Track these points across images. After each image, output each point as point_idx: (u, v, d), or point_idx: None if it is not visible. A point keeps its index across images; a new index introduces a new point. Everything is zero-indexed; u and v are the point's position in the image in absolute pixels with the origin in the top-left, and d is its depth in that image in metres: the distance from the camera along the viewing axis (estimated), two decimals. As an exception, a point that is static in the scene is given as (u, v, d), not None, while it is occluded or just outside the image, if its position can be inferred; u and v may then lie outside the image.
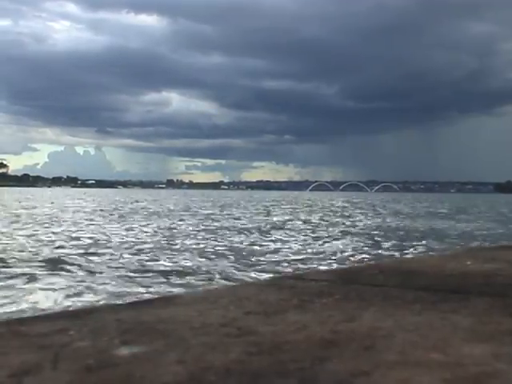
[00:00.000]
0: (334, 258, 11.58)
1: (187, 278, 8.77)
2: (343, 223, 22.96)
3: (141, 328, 1.19)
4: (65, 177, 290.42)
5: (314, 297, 1.54)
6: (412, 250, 13.24)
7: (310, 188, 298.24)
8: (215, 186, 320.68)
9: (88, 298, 6.98)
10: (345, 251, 12.72)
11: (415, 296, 1.56)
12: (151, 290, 7.70)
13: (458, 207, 47.32)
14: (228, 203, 51.04)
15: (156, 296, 1.99)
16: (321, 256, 11.82)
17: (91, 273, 9.03)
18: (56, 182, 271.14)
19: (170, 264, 10.23)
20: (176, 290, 7.26)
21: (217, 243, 14.04)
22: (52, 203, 41.72)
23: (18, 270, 8.99)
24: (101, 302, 6.45)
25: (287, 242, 14.71)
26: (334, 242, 14.90)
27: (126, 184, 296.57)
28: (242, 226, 20.27)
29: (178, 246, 13.16)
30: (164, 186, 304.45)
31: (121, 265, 9.95)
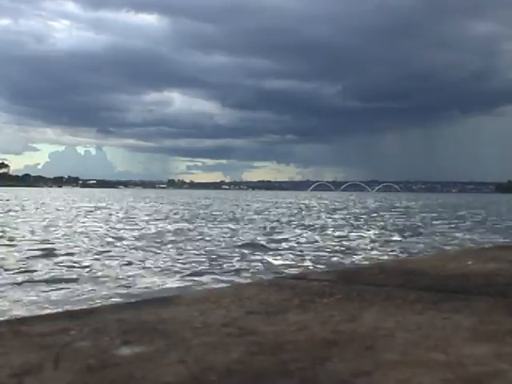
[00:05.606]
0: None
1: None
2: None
3: (142, 328, 1.19)
4: (66, 177, 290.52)
5: (316, 297, 1.54)
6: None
7: (311, 188, 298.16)
8: (216, 185, 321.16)
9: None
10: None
11: (416, 296, 1.56)
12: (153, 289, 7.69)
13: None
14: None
15: (157, 296, 1.99)
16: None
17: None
18: (57, 181, 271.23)
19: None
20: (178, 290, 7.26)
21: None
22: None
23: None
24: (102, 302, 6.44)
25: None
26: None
27: (127, 184, 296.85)
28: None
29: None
30: (165, 186, 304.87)
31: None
